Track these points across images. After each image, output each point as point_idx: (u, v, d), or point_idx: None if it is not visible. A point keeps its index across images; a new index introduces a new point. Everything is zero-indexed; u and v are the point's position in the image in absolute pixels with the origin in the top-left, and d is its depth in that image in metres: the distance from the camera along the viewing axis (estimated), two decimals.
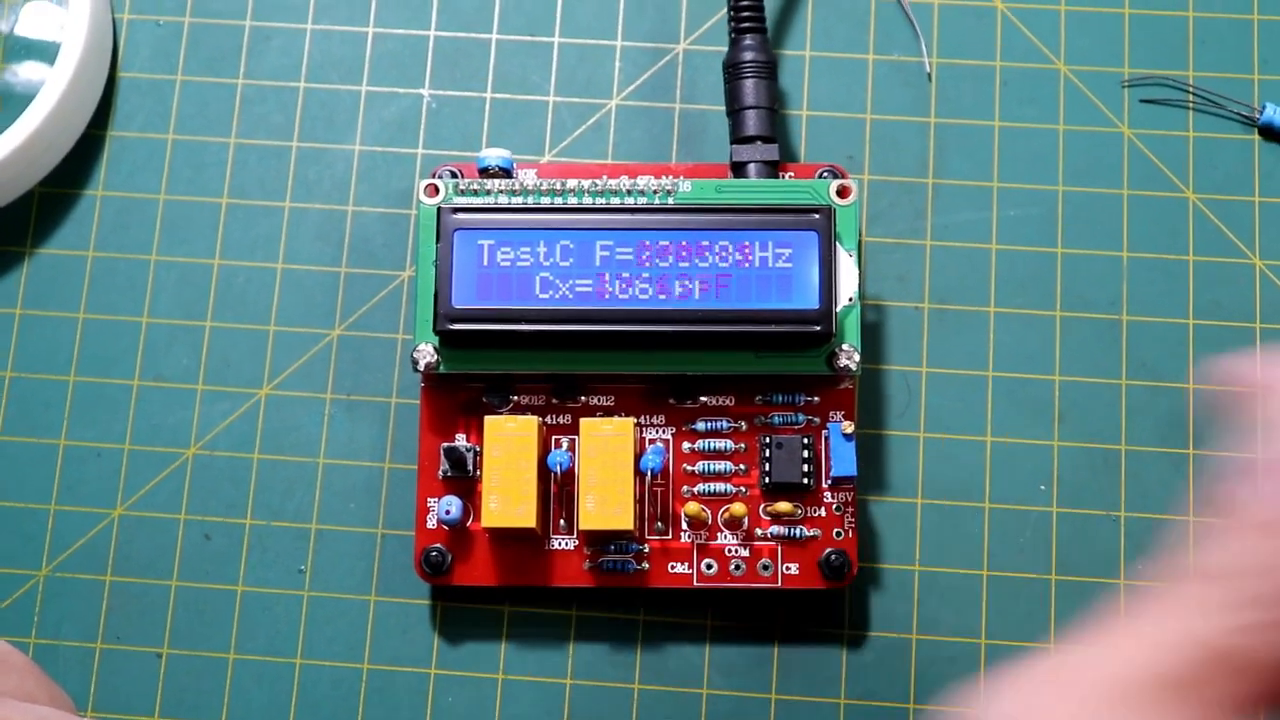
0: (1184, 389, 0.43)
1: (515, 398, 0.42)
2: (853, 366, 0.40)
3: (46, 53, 0.45)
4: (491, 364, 0.40)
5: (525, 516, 0.39)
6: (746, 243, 0.40)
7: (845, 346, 0.40)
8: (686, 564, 0.41)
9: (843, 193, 0.41)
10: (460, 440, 0.41)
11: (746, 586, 0.41)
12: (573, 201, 0.40)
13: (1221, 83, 0.45)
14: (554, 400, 0.41)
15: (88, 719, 0.41)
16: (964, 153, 0.44)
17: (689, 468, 0.41)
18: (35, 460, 0.43)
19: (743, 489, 0.41)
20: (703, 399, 0.41)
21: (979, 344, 0.43)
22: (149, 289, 0.44)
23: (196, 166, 0.45)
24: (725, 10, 0.44)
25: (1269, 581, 0.28)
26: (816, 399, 0.41)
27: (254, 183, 0.45)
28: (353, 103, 0.45)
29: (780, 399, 0.41)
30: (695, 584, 0.41)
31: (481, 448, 0.40)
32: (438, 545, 0.41)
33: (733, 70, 0.43)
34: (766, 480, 0.41)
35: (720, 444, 0.41)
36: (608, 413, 0.41)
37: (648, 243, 0.40)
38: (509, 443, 0.39)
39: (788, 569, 0.41)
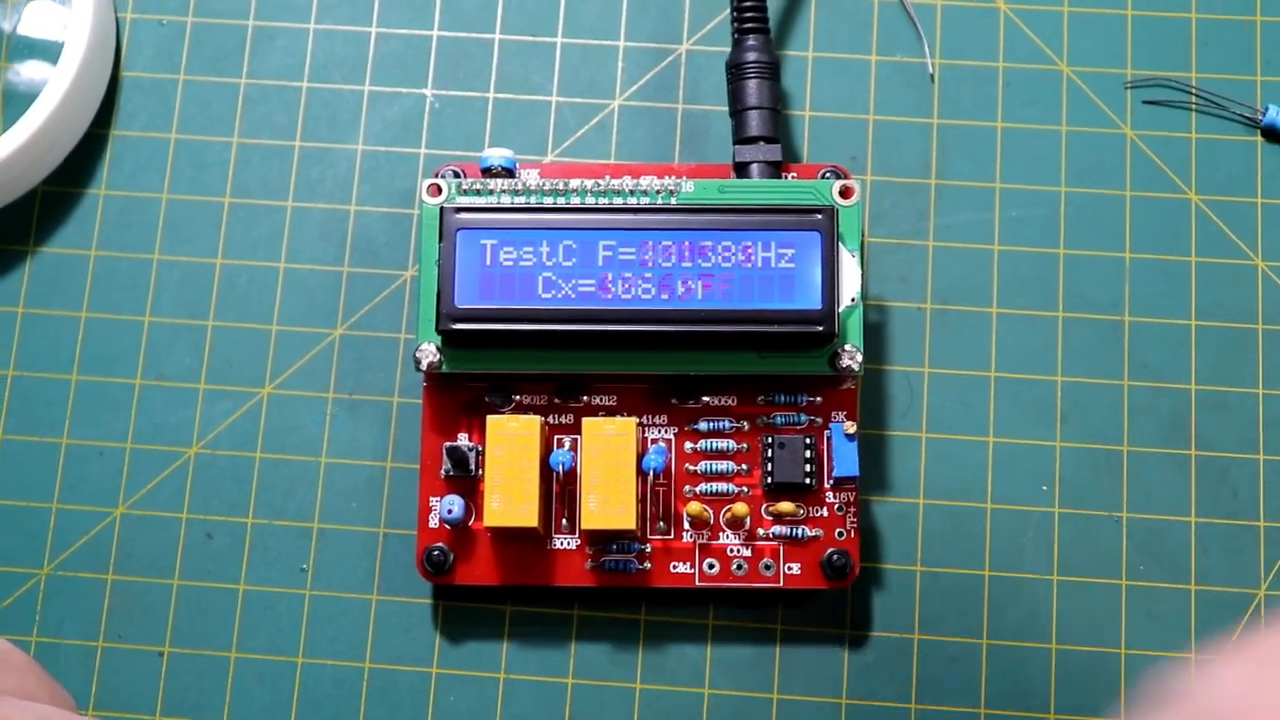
0: (1186, 390, 0.43)
1: (517, 397, 0.42)
2: (855, 367, 0.40)
3: (49, 52, 0.45)
4: (494, 363, 0.40)
5: (527, 516, 0.39)
6: (749, 243, 0.40)
7: (847, 347, 0.40)
8: (688, 564, 0.41)
9: (845, 193, 0.41)
10: (462, 440, 0.41)
11: (748, 586, 0.40)
12: (575, 201, 0.40)
13: (1224, 84, 0.45)
14: (556, 400, 0.41)
15: (89, 718, 0.41)
16: (966, 153, 0.44)
17: (691, 467, 0.41)
18: (37, 459, 0.43)
19: (745, 489, 0.41)
20: (705, 399, 0.41)
21: (981, 344, 0.43)
22: (151, 288, 0.44)
23: (199, 166, 0.45)
24: (728, 11, 0.44)
25: None
26: (819, 399, 0.41)
27: (256, 182, 0.45)
28: (355, 102, 0.45)
29: (782, 399, 0.41)
30: (697, 584, 0.41)
31: (484, 447, 0.40)
32: (440, 544, 0.41)
33: (735, 71, 0.43)
34: (768, 480, 0.41)
35: (722, 444, 0.41)
36: (610, 412, 0.41)
37: (650, 243, 0.40)
38: (511, 442, 0.39)
39: (790, 569, 0.41)
